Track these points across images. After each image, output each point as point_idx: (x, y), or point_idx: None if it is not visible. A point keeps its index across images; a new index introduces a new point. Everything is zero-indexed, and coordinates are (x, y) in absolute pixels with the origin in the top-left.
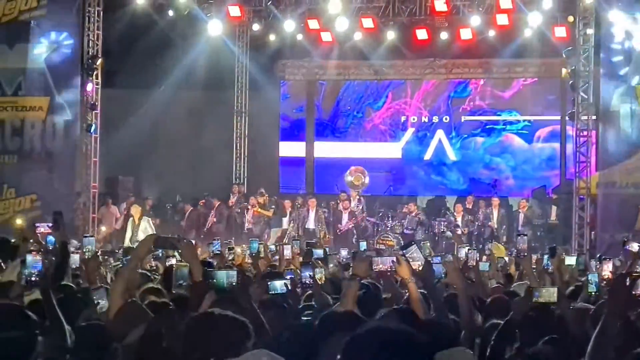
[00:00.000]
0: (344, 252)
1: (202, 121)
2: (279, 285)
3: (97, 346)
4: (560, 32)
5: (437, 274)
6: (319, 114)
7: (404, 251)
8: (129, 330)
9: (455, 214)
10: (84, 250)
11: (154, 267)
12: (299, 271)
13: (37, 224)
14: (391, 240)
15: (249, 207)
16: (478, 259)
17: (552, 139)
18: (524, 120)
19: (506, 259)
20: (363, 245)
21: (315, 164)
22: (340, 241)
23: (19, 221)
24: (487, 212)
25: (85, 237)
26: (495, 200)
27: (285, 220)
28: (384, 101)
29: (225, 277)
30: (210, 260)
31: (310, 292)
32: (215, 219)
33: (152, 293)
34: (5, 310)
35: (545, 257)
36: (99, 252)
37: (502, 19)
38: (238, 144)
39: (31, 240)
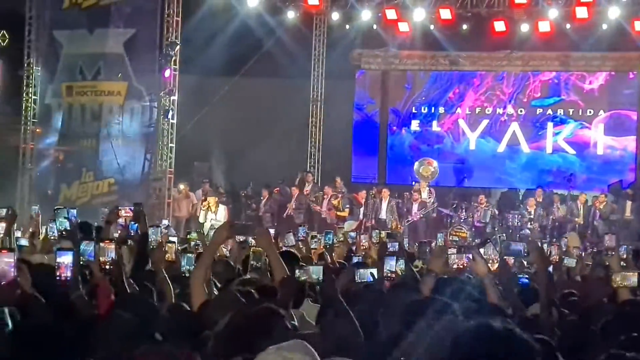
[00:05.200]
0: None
1: (277, 109)
2: (365, 274)
3: (188, 332)
4: None
5: (517, 252)
6: (395, 104)
7: (481, 250)
8: (220, 318)
9: (528, 207)
10: (150, 240)
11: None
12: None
13: (120, 207)
14: (464, 232)
15: (324, 196)
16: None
17: (628, 133)
18: (599, 114)
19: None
20: (441, 237)
21: (387, 154)
22: (411, 232)
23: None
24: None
25: (151, 227)
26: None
27: (361, 210)
28: (459, 93)
29: (315, 272)
30: (287, 249)
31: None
32: (294, 207)
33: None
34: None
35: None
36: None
37: (581, 12)
38: (313, 133)
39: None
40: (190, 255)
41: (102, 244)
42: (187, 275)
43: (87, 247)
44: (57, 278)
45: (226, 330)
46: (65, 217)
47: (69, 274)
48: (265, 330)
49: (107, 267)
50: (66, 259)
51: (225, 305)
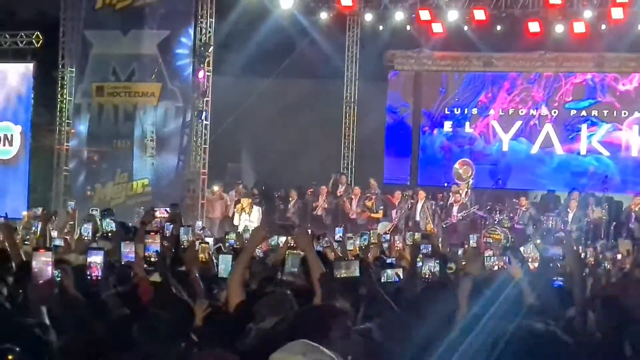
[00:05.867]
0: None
1: (310, 110)
2: (392, 274)
3: (224, 332)
4: None
5: (554, 256)
6: (429, 107)
7: (521, 249)
8: (269, 316)
9: (569, 210)
10: (181, 240)
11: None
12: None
13: (155, 208)
14: (498, 234)
15: (352, 197)
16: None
17: None
18: (633, 115)
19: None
20: (473, 239)
21: (420, 156)
22: (450, 234)
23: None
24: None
25: (182, 227)
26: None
27: (394, 212)
28: (492, 95)
29: (353, 267)
30: (321, 249)
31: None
32: (325, 207)
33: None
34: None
35: None
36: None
37: (616, 13)
38: (346, 134)
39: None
40: (226, 255)
41: (147, 239)
42: (224, 275)
43: (126, 247)
44: (88, 277)
45: (280, 326)
46: (111, 219)
47: (99, 273)
48: (326, 329)
49: (152, 260)
50: (97, 258)
51: (276, 303)
